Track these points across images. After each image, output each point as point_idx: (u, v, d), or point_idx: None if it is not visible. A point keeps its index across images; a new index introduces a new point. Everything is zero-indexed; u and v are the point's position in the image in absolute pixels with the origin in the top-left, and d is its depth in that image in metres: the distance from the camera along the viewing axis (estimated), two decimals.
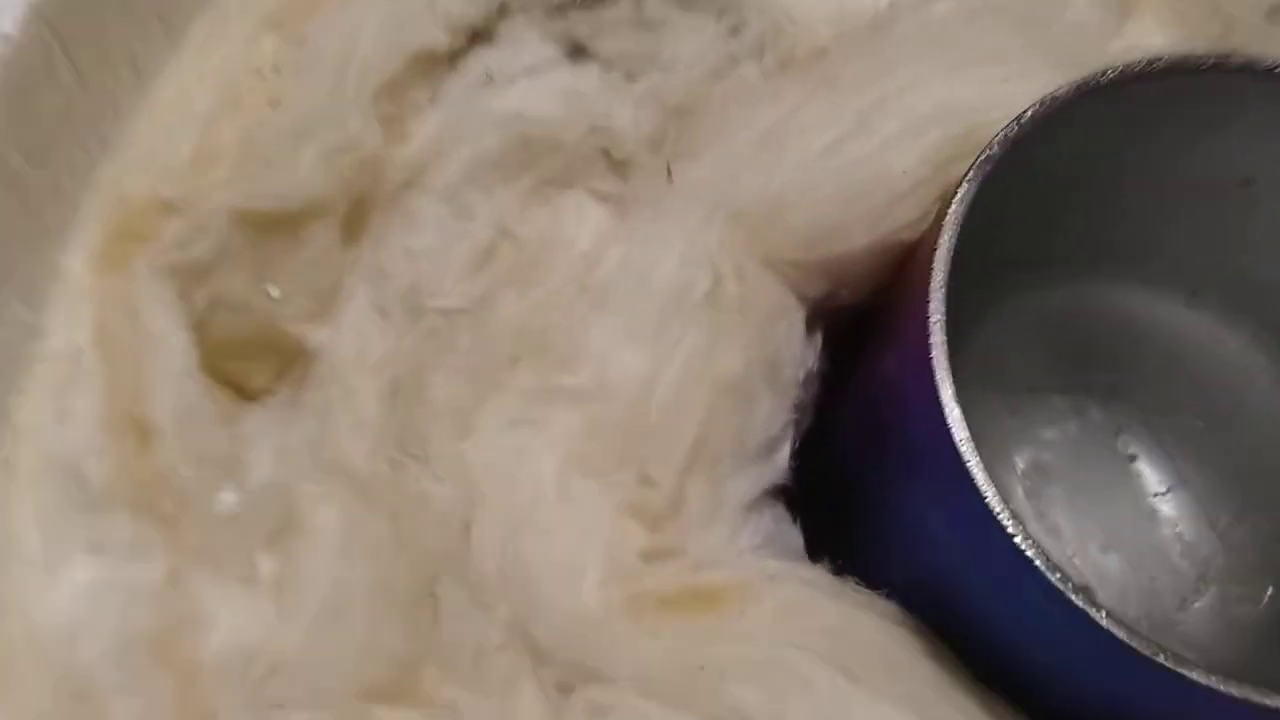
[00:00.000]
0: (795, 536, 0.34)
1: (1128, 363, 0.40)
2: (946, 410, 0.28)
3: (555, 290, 0.32)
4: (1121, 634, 0.26)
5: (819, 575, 0.32)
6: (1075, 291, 0.40)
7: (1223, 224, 0.37)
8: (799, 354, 0.33)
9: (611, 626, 0.29)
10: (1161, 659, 0.26)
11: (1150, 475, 0.38)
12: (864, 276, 0.34)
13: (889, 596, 0.32)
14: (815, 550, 0.35)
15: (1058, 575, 0.27)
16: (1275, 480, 0.38)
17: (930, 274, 0.30)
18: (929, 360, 0.29)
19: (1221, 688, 0.26)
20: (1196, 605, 0.36)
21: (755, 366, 0.32)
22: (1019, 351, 0.39)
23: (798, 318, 0.34)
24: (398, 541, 0.29)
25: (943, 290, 0.29)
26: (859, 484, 0.34)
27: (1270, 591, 0.38)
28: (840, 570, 0.33)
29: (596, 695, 0.28)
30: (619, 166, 0.34)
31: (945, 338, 0.29)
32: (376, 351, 0.31)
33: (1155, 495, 0.38)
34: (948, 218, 0.30)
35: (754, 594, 0.30)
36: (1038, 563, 0.27)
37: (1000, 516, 0.27)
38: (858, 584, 0.32)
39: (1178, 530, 0.37)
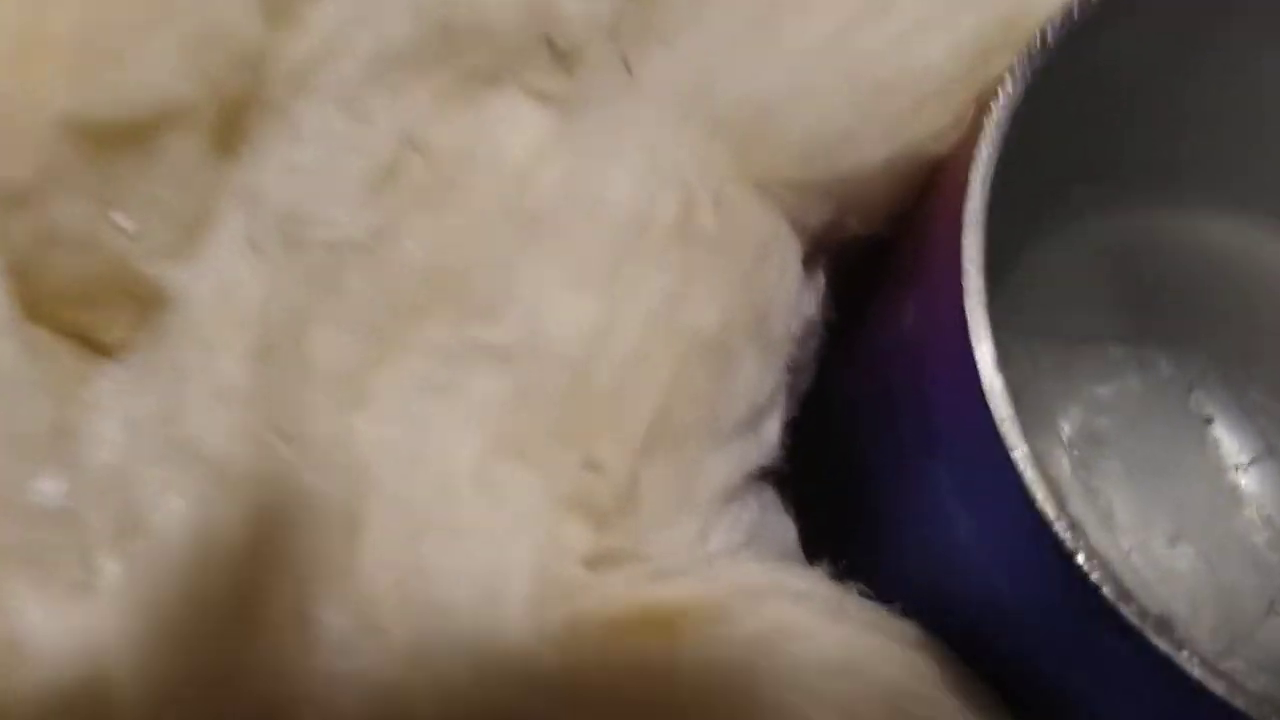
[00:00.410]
0: (788, 530, 0.27)
1: (1204, 304, 0.33)
2: (984, 380, 0.21)
3: (477, 218, 0.25)
4: (1220, 689, 0.19)
5: (815, 584, 0.25)
6: (1141, 217, 0.32)
7: None
8: (794, 300, 0.26)
9: (542, 657, 0.22)
10: None
11: (1230, 443, 0.31)
12: (879, 200, 0.27)
13: (904, 611, 0.25)
14: (816, 544, 0.28)
15: (1132, 606, 0.20)
16: None
17: (964, 198, 0.22)
18: (960, 312, 0.21)
19: None
20: None
21: (737, 317, 0.25)
22: (1069, 290, 0.32)
23: (793, 253, 0.26)
24: (264, 545, 0.23)
25: (981, 220, 0.22)
26: (866, 465, 0.27)
27: None
28: (844, 573, 0.26)
29: None
30: (565, 58, 0.26)
31: (984, 283, 0.22)
32: (245, 297, 0.24)
33: (1236, 468, 0.31)
34: (986, 126, 0.23)
35: (729, 613, 0.23)
36: (1105, 590, 0.20)
37: (1055, 527, 0.20)
38: (864, 592, 0.25)
39: (1265, 512, 0.30)
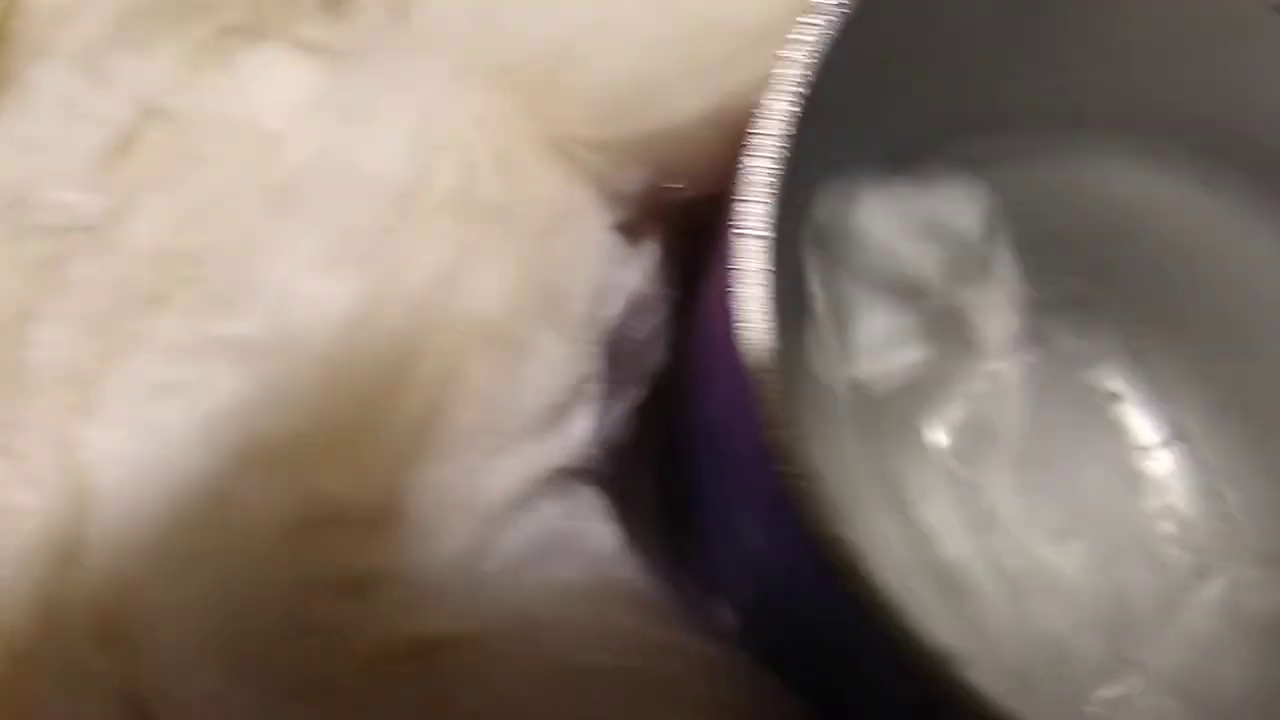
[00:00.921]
0: (605, 535, 0.24)
1: (1113, 266, 0.29)
2: (752, 388, 0.18)
3: (221, 193, 0.22)
4: None
5: (615, 601, 0.22)
6: (1036, 170, 0.28)
7: (1248, 68, 0.26)
8: (597, 277, 0.23)
9: (293, 696, 0.20)
10: None
11: (1137, 424, 0.28)
12: (703, 158, 0.24)
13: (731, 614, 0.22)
14: (648, 540, 0.25)
15: (910, 642, 0.16)
16: None
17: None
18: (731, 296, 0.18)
19: None
20: (1189, 610, 0.26)
21: (525, 299, 0.22)
22: (954, 255, 0.28)
23: (596, 224, 0.23)
24: None
25: (771, 181, 0.19)
26: (686, 458, 0.24)
27: None
28: (673, 575, 0.23)
29: None
30: (334, 4, 0.23)
31: (769, 263, 0.18)
32: None
33: (1140, 452, 0.27)
34: (780, 67, 0.19)
35: (495, 641, 0.20)
36: (884, 619, 0.16)
37: (825, 553, 0.17)
38: (676, 604, 0.22)
39: (1169, 501, 0.27)
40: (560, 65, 0.22)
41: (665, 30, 0.23)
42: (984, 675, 0.25)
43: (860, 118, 0.24)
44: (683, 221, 0.26)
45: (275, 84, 0.23)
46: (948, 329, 0.27)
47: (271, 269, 0.21)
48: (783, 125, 0.19)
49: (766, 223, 0.18)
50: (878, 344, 0.26)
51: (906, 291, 0.26)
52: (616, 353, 0.25)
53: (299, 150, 0.22)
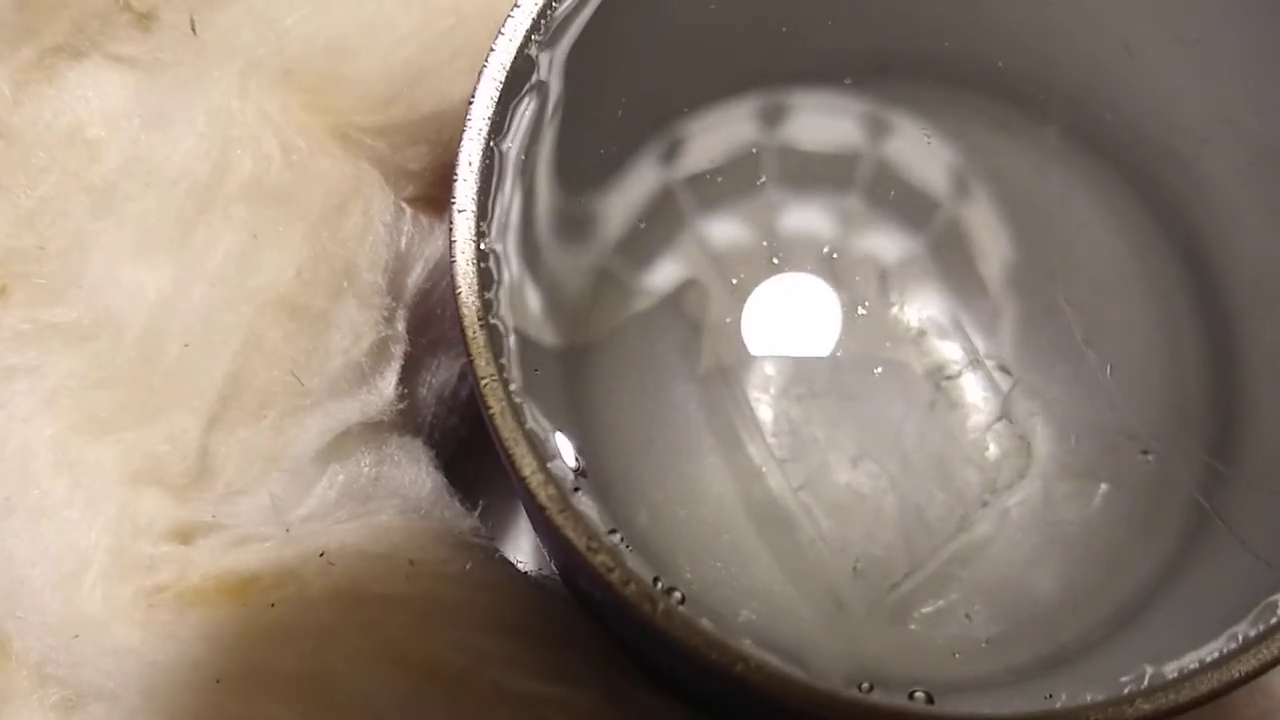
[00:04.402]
0: (422, 480, 0.26)
1: (921, 203, 0.30)
2: (469, 337, 0.20)
3: (51, 195, 0.25)
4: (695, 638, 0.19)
5: (423, 538, 0.25)
6: (838, 108, 0.30)
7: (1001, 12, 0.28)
8: (395, 247, 0.26)
9: (114, 632, 0.23)
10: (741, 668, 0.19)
11: (937, 355, 0.30)
12: None
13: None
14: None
15: (600, 557, 0.19)
16: (1107, 349, 0.29)
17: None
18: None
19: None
20: (992, 524, 0.28)
21: (315, 273, 0.25)
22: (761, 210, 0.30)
23: (383, 201, 0.26)
24: None
25: (474, 161, 0.21)
26: None
27: (1103, 490, 0.29)
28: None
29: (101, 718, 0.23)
30: (143, 21, 0.26)
31: (475, 235, 0.21)
32: None
33: (940, 381, 0.29)
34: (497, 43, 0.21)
35: (298, 578, 0.23)
36: (570, 535, 0.19)
37: (533, 485, 0.19)
38: (481, 542, 0.25)
39: (966, 425, 0.29)
40: (337, 62, 0.25)
41: (429, 23, 0.25)
42: (806, 604, 0.28)
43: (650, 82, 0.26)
44: None
45: (94, 96, 0.25)
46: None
47: (97, 261, 0.24)
48: (487, 108, 0.21)
49: (474, 198, 0.20)
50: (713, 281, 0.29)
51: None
52: (433, 315, 0.28)
53: (114, 155, 0.25)
